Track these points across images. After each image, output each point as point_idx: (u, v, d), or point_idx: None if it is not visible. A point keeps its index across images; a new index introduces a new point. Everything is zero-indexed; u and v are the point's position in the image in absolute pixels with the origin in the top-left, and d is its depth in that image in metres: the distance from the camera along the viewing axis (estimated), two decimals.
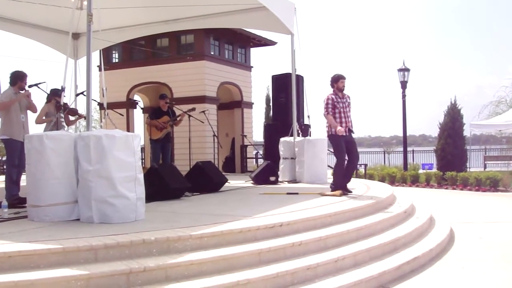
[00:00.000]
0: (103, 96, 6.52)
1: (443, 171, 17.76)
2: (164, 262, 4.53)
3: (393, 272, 5.67)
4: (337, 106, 8.49)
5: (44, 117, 8.60)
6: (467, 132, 20.39)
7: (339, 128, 8.29)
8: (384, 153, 30.73)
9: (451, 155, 18.07)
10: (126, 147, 5.94)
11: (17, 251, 4.34)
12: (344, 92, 8.66)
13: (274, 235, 5.60)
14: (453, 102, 18.69)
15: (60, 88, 7.35)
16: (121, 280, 4.29)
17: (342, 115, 8.52)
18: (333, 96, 8.54)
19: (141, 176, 6.14)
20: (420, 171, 20.80)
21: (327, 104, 8.51)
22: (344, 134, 8.42)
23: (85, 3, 7.30)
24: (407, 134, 21.17)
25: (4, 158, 10.43)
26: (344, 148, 8.43)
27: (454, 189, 16.63)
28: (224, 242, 5.17)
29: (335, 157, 8.71)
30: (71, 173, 6.01)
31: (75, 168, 6.01)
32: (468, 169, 18.91)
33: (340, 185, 8.49)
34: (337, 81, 8.61)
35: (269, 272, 4.84)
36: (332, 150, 9.07)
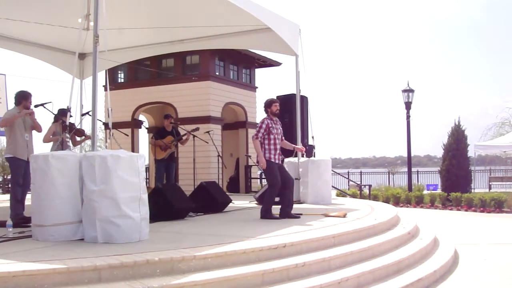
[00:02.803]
0: (108, 116, 6.56)
1: (448, 192, 17.72)
2: (167, 282, 4.53)
3: None
4: (272, 132, 8.22)
5: (51, 136, 8.67)
6: (471, 153, 20.39)
7: (264, 161, 8.01)
8: (389, 174, 30.63)
9: (456, 176, 18.03)
10: (131, 168, 5.98)
11: (21, 270, 4.35)
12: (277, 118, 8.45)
13: (278, 256, 5.59)
14: (457, 123, 18.70)
15: (66, 108, 7.41)
16: None
17: (277, 141, 8.28)
18: (269, 121, 8.28)
19: (145, 196, 6.16)
20: (425, 192, 20.75)
21: (260, 127, 8.21)
22: (275, 162, 8.19)
23: (91, 24, 7.38)
24: (412, 155, 21.26)
25: (9, 177, 10.48)
26: (278, 173, 8.16)
27: (459, 210, 16.58)
28: (227, 262, 5.17)
29: (268, 184, 8.42)
30: (76, 193, 6.04)
31: (80, 188, 6.05)
32: (472, 190, 18.86)
33: (270, 212, 8.13)
34: (270, 105, 8.34)
35: None
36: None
